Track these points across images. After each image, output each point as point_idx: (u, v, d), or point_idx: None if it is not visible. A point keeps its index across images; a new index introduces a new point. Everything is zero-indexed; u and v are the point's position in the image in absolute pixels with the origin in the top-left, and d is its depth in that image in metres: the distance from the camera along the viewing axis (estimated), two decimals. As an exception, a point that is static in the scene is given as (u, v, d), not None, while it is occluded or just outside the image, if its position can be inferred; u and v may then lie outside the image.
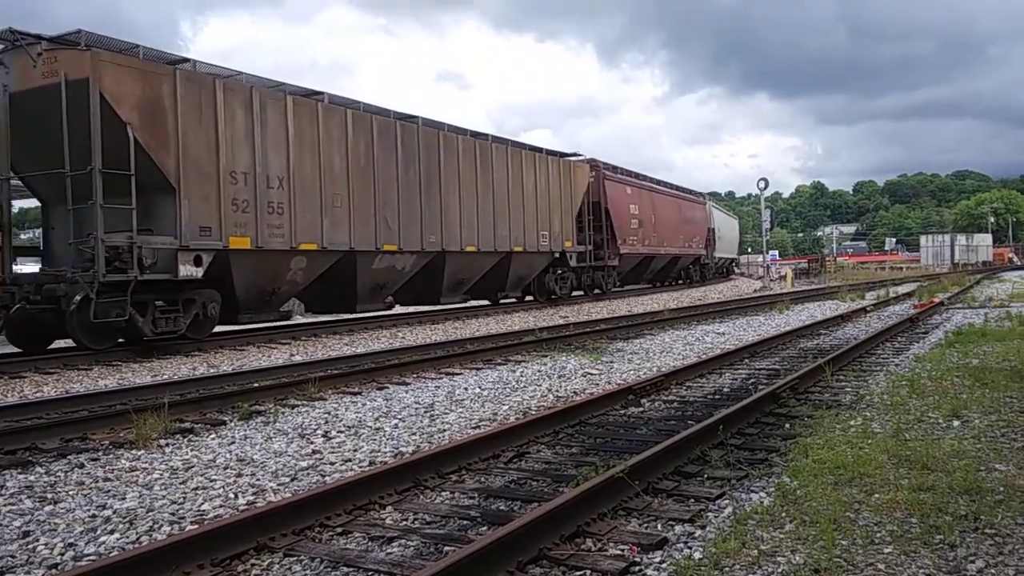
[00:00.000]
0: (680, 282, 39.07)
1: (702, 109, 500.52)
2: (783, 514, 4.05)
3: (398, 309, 20.33)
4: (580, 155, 26.62)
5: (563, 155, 25.07)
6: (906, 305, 19.78)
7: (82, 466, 5.76)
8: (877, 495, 4.26)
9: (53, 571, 3.76)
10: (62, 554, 3.95)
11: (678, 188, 39.31)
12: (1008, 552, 3.49)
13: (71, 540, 4.12)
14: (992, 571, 3.31)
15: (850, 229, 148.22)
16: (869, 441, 5.41)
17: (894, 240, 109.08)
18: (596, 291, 27.27)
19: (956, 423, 5.96)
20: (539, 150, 23.41)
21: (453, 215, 18.80)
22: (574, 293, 26.13)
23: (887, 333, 12.57)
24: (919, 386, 7.49)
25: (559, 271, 24.34)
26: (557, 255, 23.66)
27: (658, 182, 35.51)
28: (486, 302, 22.71)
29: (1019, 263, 77.36)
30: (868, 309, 18.59)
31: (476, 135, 20.65)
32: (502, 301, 22.92)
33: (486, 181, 20.19)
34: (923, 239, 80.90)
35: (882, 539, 3.68)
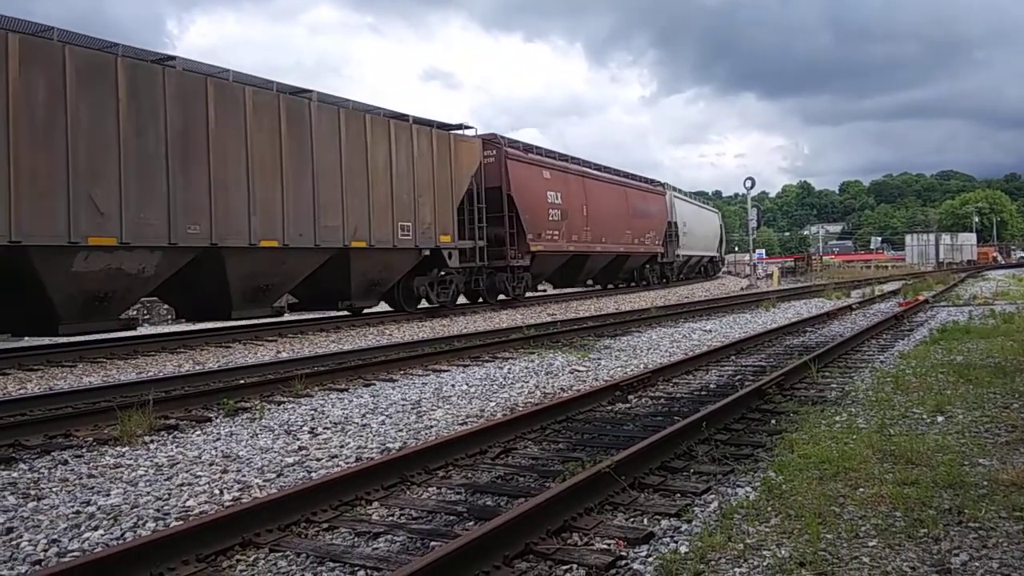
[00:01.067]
0: (633, 284, 33.90)
1: (689, 109, 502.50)
2: (769, 508, 4.07)
3: (383, 307, 20.17)
4: (470, 128, 21.10)
5: (443, 126, 19.73)
6: (891, 303, 19.89)
7: (66, 463, 5.72)
8: (862, 489, 4.28)
9: (37, 567, 3.73)
10: (46, 550, 3.92)
11: (628, 175, 33.36)
12: (992, 545, 3.51)
13: (55, 536, 4.09)
14: (976, 564, 3.33)
15: (836, 228, 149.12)
16: (854, 436, 5.44)
17: (879, 239, 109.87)
18: (502, 297, 22.67)
19: (940, 419, 6.00)
20: (403, 117, 18.20)
21: (236, 198, 13.71)
22: (466, 300, 22.27)
23: (872, 330, 12.64)
24: (904, 382, 7.54)
25: (440, 272, 19.59)
26: (428, 253, 18.51)
27: (598, 167, 30.00)
28: (318, 314, 18.57)
29: (1003, 262, 77.99)
30: (854, 307, 18.69)
31: (286, 89, 15.40)
32: (350, 312, 18.45)
33: (303, 153, 15.05)
34: (908, 238, 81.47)
35: (867, 533, 3.70)
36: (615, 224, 29.35)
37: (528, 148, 24.73)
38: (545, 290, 31.52)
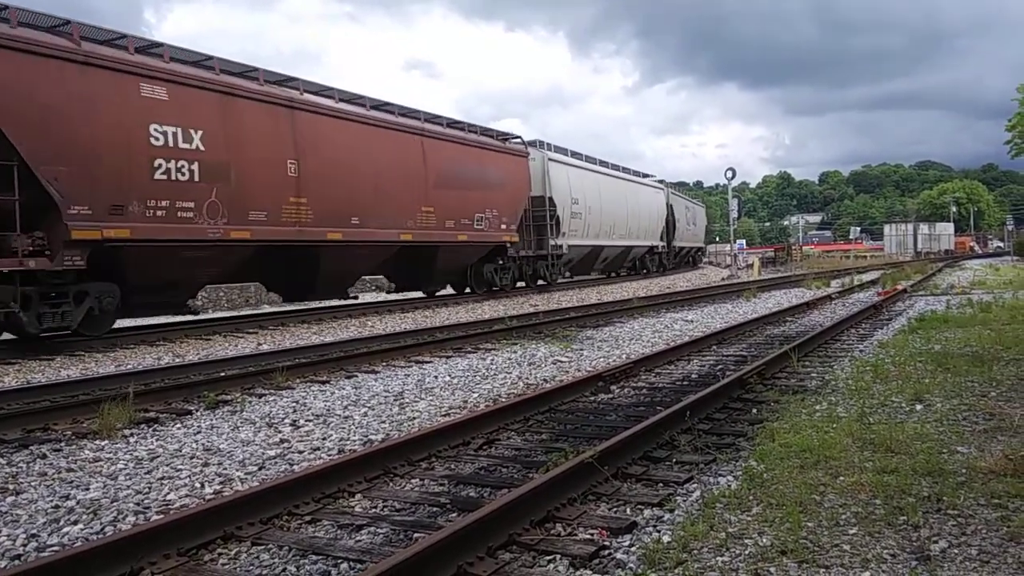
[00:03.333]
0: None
1: (671, 99, 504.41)
2: (750, 497, 4.09)
3: (367, 297, 20.15)
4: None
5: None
6: (870, 292, 20.05)
7: (44, 457, 5.66)
8: (842, 478, 4.32)
9: (16, 562, 3.69)
10: (24, 545, 3.88)
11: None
12: (971, 532, 3.55)
13: (34, 531, 4.05)
14: (955, 551, 3.37)
15: (816, 218, 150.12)
16: (834, 425, 5.49)
17: (859, 229, 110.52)
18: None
19: (919, 407, 6.05)
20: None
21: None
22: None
23: (852, 320, 12.74)
24: (883, 371, 7.60)
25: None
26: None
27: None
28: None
29: (980, 252, 78.87)
30: (833, 296, 18.82)
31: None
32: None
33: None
34: (887, 228, 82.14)
35: (847, 521, 3.73)
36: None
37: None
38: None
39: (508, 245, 22.92)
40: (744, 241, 64.75)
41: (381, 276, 23.94)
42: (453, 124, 20.99)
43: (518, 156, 23.84)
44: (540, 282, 25.93)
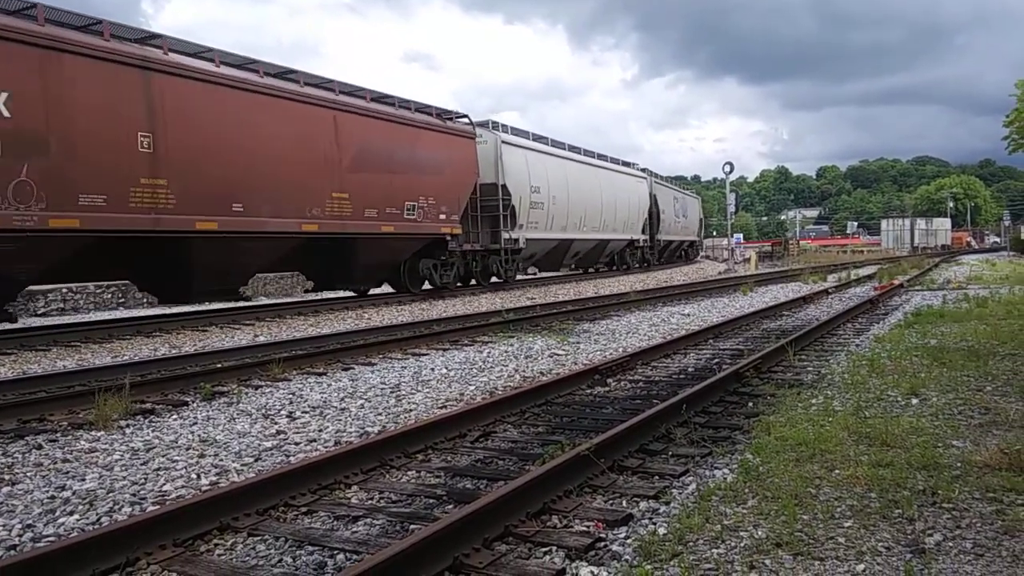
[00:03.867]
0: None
1: (670, 93, 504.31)
2: (746, 490, 4.10)
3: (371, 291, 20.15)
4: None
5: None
6: (867, 287, 20.08)
7: (40, 447, 5.65)
8: (837, 471, 4.32)
9: (12, 552, 3.69)
10: (20, 535, 3.88)
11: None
12: (965, 526, 3.56)
13: (29, 521, 4.05)
14: (950, 544, 3.38)
15: (813, 213, 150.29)
16: (830, 419, 5.50)
17: (856, 224, 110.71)
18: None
19: (915, 401, 6.07)
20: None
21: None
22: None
23: (848, 314, 12.76)
24: (879, 365, 7.62)
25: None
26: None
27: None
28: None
29: (977, 247, 79.00)
30: (830, 291, 18.84)
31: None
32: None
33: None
34: (884, 223, 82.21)
35: (842, 513, 3.73)
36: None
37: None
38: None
39: (448, 238, 20.20)
40: (741, 235, 64.79)
41: (295, 272, 21.66)
42: (381, 99, 18.33)
43: (463, 137, 20.73)
44: (494, 279, 23.47)
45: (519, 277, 26.14)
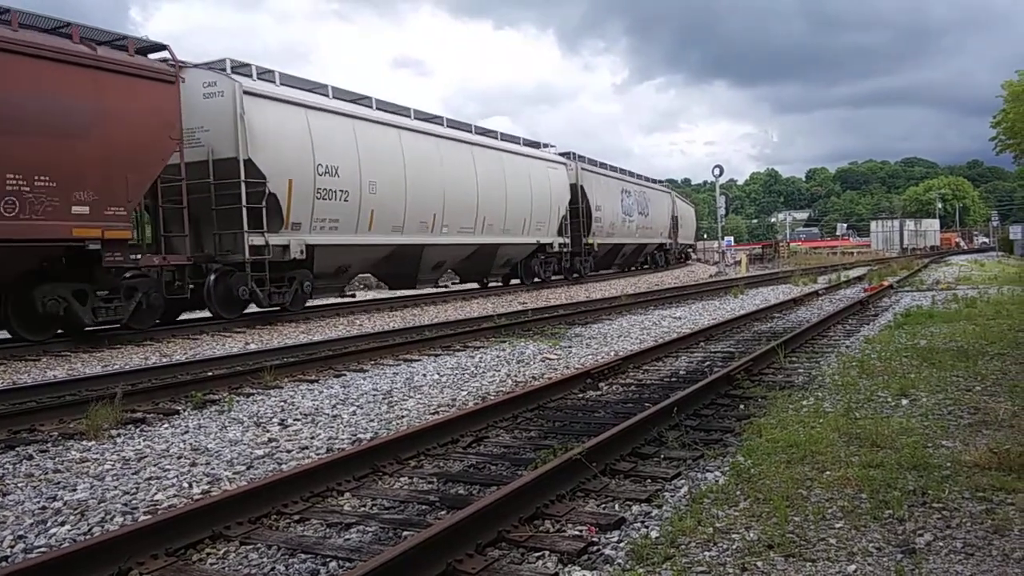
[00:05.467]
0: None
1: (660, 96, 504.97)
2: (737, 492, 4.12)
3: (357, 296, 20.13)
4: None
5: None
6: (857, 289, 20.16)
7: (31, 458, 5.62)
8: (828, 472, 4.35)
9: (3, 564, 3.67)
10: (12, 546, 3.86)
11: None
12: (955, 525, 3.58)
13: (21, 532, 4.03)
14: (940, 544, 3.40)
15: (803, 215, 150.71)
16: (821, 420, 5.52)
17: (845, 226, 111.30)
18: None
19: (904, 402, 6.10)
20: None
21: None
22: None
23: (838, 316, 12.81)
24: (869, 367, 7.65)
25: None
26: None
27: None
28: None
29: (966, 247, 79.42)
30: (820, 293, 18.92)
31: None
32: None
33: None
34: (873, 225, 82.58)
35: (833, 515, 3.75)
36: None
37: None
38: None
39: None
40: (732, 238, 64.95)
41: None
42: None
43: (145, 78, 12.56)
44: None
45: (319, 303, 18.34)
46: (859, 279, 24.11)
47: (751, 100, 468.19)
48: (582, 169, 29.66)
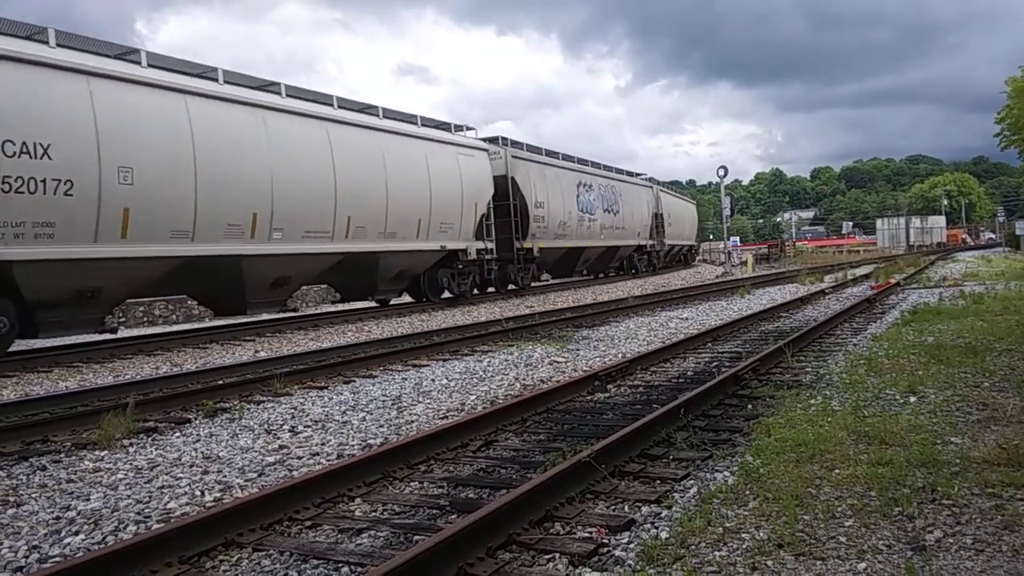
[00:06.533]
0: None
1: (664, 98, 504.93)
2: (747, 492, 4.13)
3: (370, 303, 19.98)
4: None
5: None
6: (863, 287, 20.13)
7: (44, 468, 5.67)
8: (837, 470, 4.35)
9: (18, 574, 3.71)
10: (27, 557, 3.90)
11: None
12: (965, 521, 3.59)
13: (35, 543, 4.07)
14: (950, 540, 3.40)
15: (808, 214, 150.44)
16: (829, 419, 5.53)
17: (851, 224, 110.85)
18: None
19: (913, 399, 6.10)
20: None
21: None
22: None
23: (845, 314, 12.80)
24: (877, 364, 7.65)
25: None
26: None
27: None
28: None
29: (972, 243, 79.16)
30: (827, 291, 18.89)
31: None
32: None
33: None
34: (879, 222, 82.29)
35: (843, 513, 3.76)
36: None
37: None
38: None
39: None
40: (738, 238, 64.90)
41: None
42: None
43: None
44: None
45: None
46: (865, 277, 24.06)
47: (755, 101, 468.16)
48: (514, 157, 23.75)
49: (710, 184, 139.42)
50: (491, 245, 22.10)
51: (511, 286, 24.18)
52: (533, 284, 25.61)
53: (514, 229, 23.31)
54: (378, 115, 18.56)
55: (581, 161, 30.28)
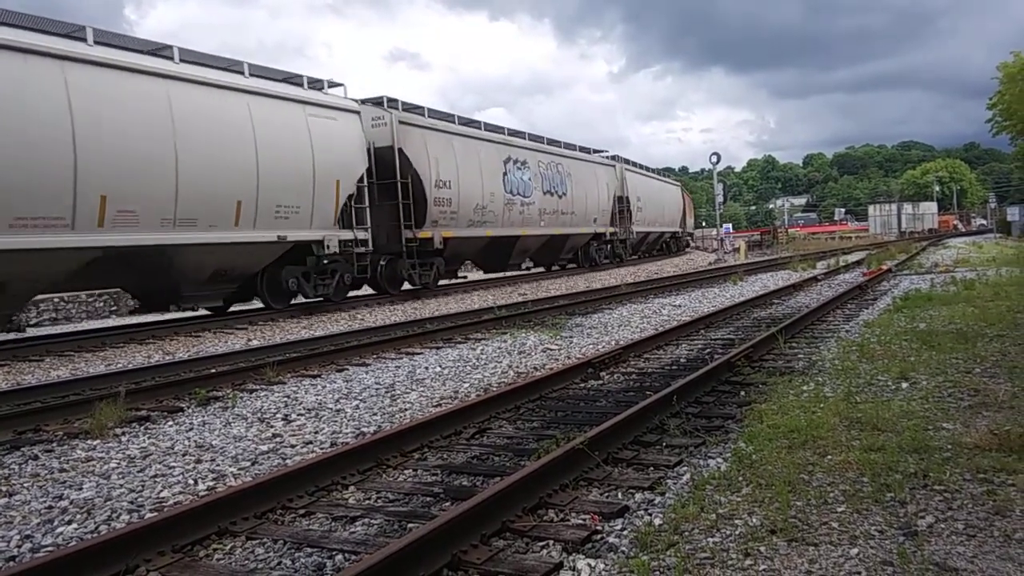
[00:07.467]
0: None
1: (657, 84, 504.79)
2: (740, 478, 4.14)
3: (366, 289, 19.67)
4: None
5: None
6: (855, 273, 20.18)
7: (36, 458, 5.65)
8: (830, 456, 4.37)
9: (11, 563, 3.70)
10: (19, 546, 3.89)
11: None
12: (956, 507, 3.61)
13: (28, 532, 4.06)
14: (942, 526, 3.42)
15: (801, 201, 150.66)
16: (821, 405, 5.54)
17: (843, 210, 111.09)
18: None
19: (905, 385, 6.12)
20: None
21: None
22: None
23: (837, 301, 12.83)
24: (869, 351, 7.67)
25: None
26: None
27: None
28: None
29: (963, 230, 79.44)
30: (819, 278, 18.93)
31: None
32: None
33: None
34: (871, 209, 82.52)
35: (835, 499, 3.78)
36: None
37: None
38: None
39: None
40: (730, 225, 64.92)
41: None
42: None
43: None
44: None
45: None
46: (858, 263, 24.12)
47: (748, 86, 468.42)
48: (404, 123, 19.02)
49: (703, 171, 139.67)
50: (364, 235, 17.34)
51: (407, 286, 19.72)
52: (441, 283, 20.86)
53: (402, 214, 18.67)
54: (172, 58, 13.47)
55: (512, 132, 25.18)
